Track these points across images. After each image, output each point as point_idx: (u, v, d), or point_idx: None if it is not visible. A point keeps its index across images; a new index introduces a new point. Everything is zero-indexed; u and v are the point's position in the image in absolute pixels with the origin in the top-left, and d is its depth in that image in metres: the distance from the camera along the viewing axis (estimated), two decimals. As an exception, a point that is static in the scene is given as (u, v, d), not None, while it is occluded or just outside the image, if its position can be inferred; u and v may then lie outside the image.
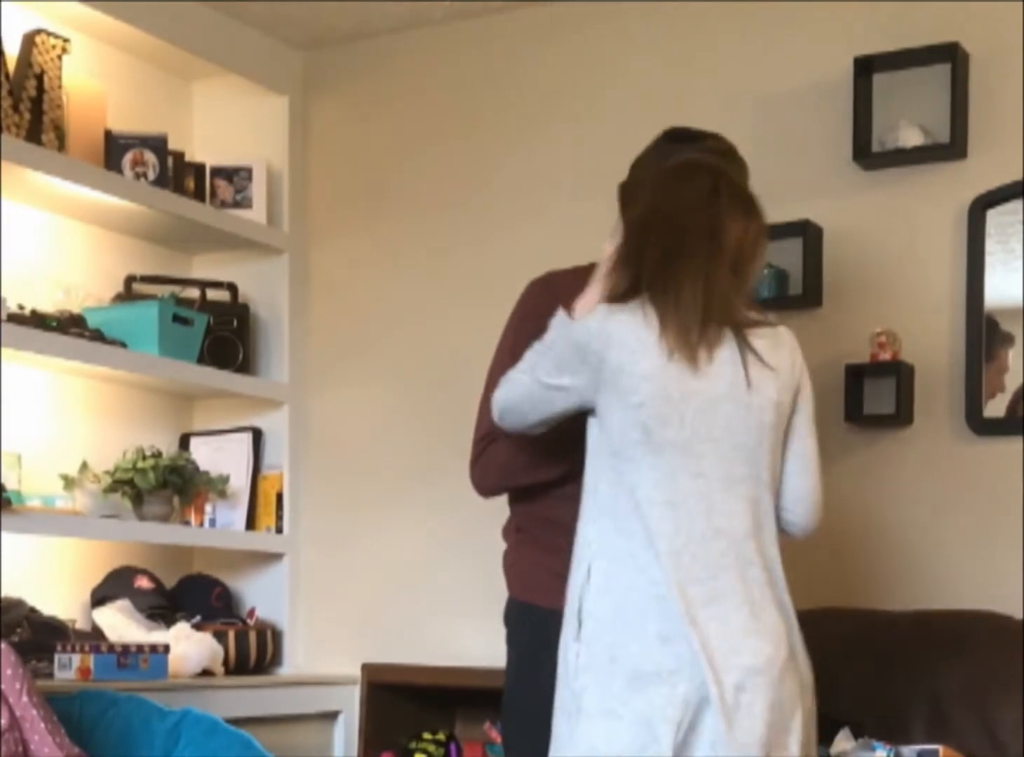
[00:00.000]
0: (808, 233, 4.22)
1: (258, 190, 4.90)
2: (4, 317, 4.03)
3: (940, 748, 3.44)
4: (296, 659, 4.87)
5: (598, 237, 4.52)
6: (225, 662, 4.52)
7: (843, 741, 3.53)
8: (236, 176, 4.89)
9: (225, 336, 4.79)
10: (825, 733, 3.51)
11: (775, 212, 4.25)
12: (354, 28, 4.90)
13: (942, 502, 4.05)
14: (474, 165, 4.80)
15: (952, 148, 4.09)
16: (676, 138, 3.19)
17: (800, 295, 4.24)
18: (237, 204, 4.88)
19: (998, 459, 3.99)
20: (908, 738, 3.56)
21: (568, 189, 4.66)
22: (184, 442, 4.97)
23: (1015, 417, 3.97)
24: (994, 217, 4.04)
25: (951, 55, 4.09)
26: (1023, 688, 3.58)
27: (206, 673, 4.40)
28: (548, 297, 3.13)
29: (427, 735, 4.46)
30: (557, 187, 4.67)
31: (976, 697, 3.63)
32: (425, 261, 4.83)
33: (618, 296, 2.81)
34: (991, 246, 4.03)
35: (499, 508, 3.39)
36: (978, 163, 4.10)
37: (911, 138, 4.13)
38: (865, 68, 4.20)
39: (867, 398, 4.11)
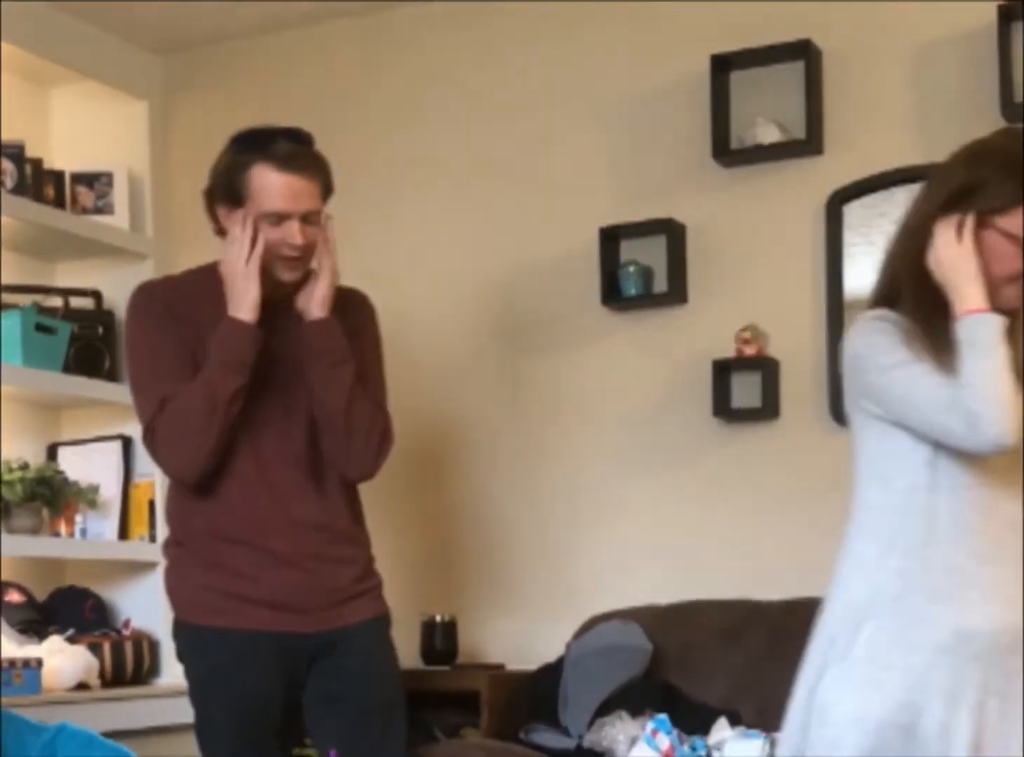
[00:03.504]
0: (671, 230, 4.29)
1: (120, 196, 4.86)
2: None
3: (814, 733, 3.50)
4: (174, 669, 4.81)
5: (465, 234, 4.60)
6: (101, 674, 4.48)
7: (720, 730, 3.60)
8: (97, 182, 4.84)
9: (91, 344, 4.73)
10: (702, 723, 3.61)
11: (638, 210, 4.38)
12: (213, 31, 4.88)
13: (809, 491, 4.13)
14: (336, 167, 4.79)
15: (808, 144, 4.18)
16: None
17: (665, 292, 4.30)
18: (99, 210, 4.83)
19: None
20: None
21: (432, 190, 4.68)
22: (52, 452, 4.90)
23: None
24: (856, 210, 4.15)
25: (804, 52, 4.18)
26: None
27: (82, 686, 4.36)
28: (160, 304, 3.20)
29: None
30: (421, 188, 4.69)
31: (848, 682, 3.72)
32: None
33: None
34: (853, 238, 4.14)
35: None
36: (834, 158, 4.19)
37: (768, 135, 4.22)
38: (722, 66, 4.27)
39: (734, 393, 4.20)
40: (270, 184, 3.10)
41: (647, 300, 4.33)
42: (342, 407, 3.15)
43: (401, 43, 4.76)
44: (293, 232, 3.11)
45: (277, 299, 3.20)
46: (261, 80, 4.93)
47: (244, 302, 3.11)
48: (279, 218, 3.11)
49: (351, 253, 4.66)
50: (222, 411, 3.09)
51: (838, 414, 4.10)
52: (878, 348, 2.50)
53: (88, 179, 4.83)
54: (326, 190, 3.22)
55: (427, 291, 4.64)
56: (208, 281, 3.24)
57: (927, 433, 2.46)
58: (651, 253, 4.33)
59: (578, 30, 4.52)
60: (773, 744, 3.49)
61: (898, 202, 4.07)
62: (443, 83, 4.70)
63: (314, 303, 3.16)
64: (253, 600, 3.15)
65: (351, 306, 3.34)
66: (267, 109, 4.87)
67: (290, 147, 3.13)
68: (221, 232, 3.24)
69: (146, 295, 3.27)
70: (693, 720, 3.62)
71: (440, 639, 4.27)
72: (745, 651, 3.85)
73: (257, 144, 3.13)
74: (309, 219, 3.14)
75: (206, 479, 3.16)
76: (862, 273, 4.13)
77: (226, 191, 3.16)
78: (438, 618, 4.28)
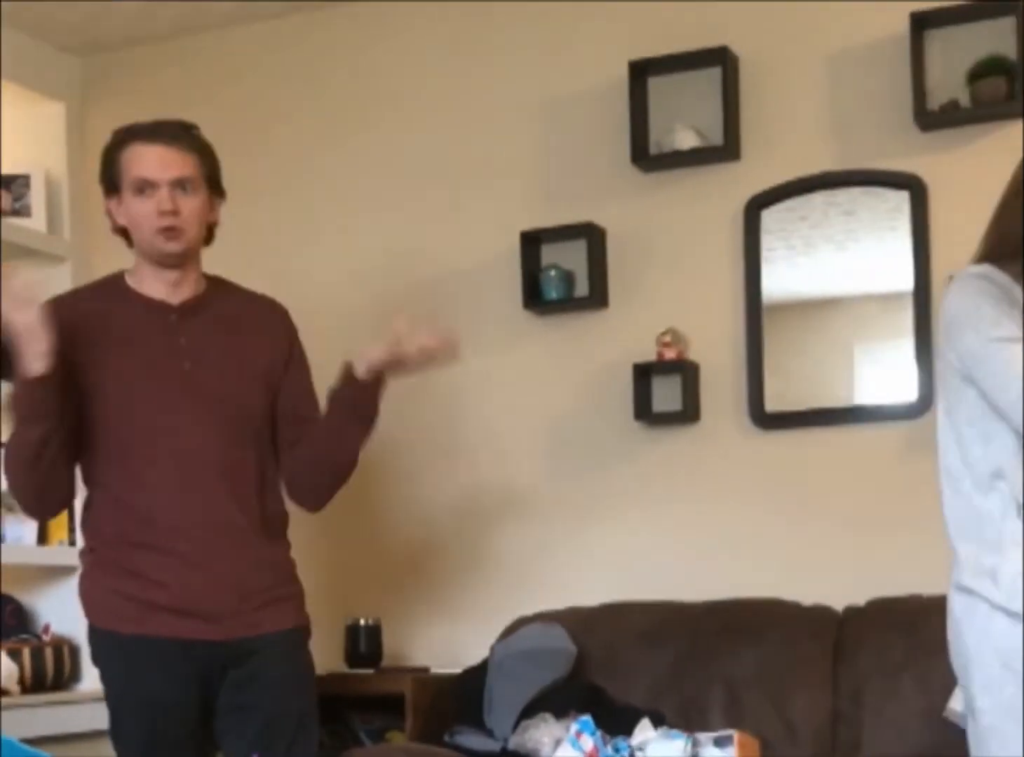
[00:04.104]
0: (592, 235, 4.33)
1: (37, 198, 4.81)
2: None
3: (735, 733, 3.56)
4: (94, 674, 4.74)
5: (385, 237, 4.61)
6: (21, 680, 4.44)
7: (643, 731, 3.64)
8: (14, 184, 4.79)
9: (6, 347, 4.68)
10: (626, 724, 3.65)
11: (559, 214, 4.42)
12: (131, 33, 4.85)
13: (729, 493, 4.20)
14: (253, 169, 4.79)
15: (726, 150, 4.23)
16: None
17: (587, 296, 4.34)
18: (16, 213, 4.78)
19: (780, 452, 4.16)
20: (706, 725, 3.69)
21: (351, 193, 4.69)
22: (-32, 457, 4.85)
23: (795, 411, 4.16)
24: (773, 215, 4.20)
25: (721, 59, 4.23)
26: (820, 671, 3.76)
27: (1, 693, 4.32)
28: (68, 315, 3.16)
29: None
30: (340, 191, 4.70)
31: (768, 682, 3.79)
32: (208, 266, 4.80)
33: None
34: (771, 243, 4.19)
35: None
36: (751, 164, 4.25)
37: (686, 140, 4.26)
38: (640, 71, 4.31)
39: (655, 396, 4.24)
40: (137, 155, 3.15)
41: (568, 304, 4.36)
42: (349, 458, 3.29)
43: (319, 46, 4.76)
44: (162, 198, 3.12)
45: (189, 302, 3.23)
46: (179, 82, 4.90)
47: (34, 356, 3.04)
48: (148, 186, 3.12)
49: (264, 254, 4.70)
50: (32, 458, 3.10)
51: (757, 417, 4.16)
52: (982, 317, 2.46)
53: (5, 181, 4.78)
54: (208, 170, 3.22)
55: (345, 294, 4.64)
56: (111, 296, 3.25)
57: (1008, 417, 2.45)
58: (572, 257, 4.36)
59: (498, 35, 4.54)
60: (695, 744, 3.54)
61: (815, 207, 4.16)
62: (362, 86, 4.70)
63: (366, 366, 3.19)
64: (161, 606, 3.14)
65: (275, 317, 3.38)
66: (184, 111, 4.78)
67: (160, 123, 3.18)
68: (116, 229, 3.25)
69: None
70: (617, 721, 3.66)
71: (364, 642, 4.27)
72: (668, 652, 3.89)
73: (132, 129, 3.19)
74: (183, 188, 3.15)
75: (54, 513, 3.29)
76: (780, 277, 4.20)
77: (104, 178, 3.21)
78: (362, 621, 4.28)
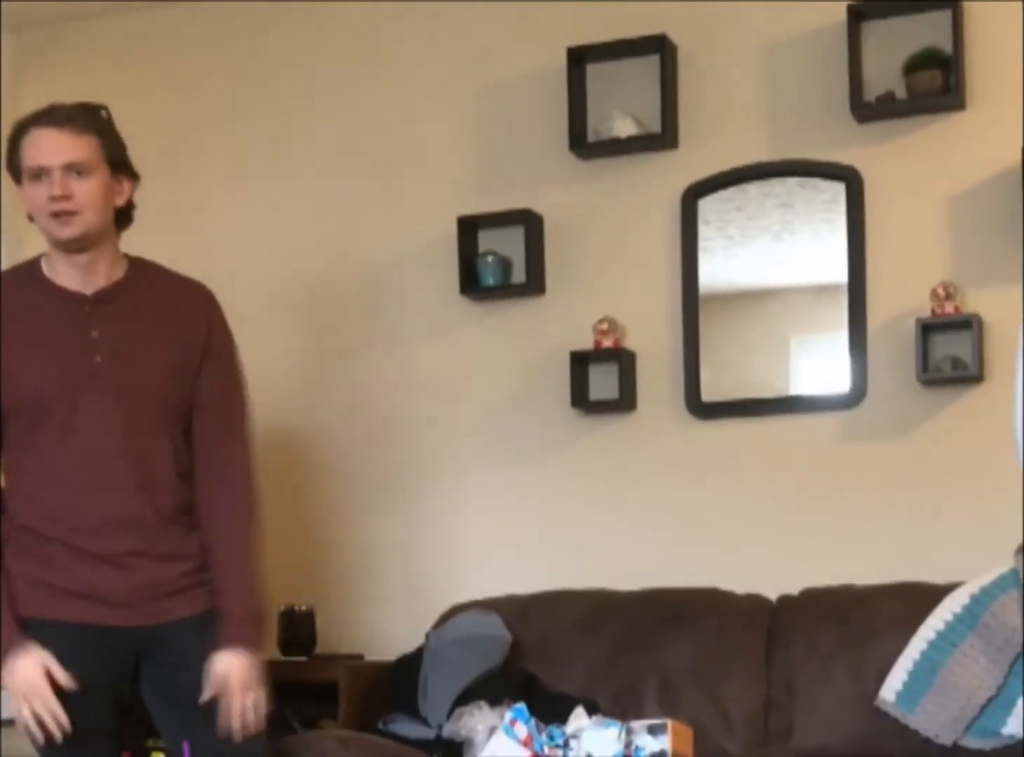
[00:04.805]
0: (529, 222, 4.33)
1: (-35, 179, 4.75)
2: None
3: (669, 721, 3.56)
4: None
5: (322, 222, 4.59)
6: (-57, 667, 4.39)
7: (577, 719, 3.63)
8: (-58, 165, 4.72)
9: None
10: (560, 712, 3.65)
11: (497, 201, 4.42)
12: (63, 10, 4.80)
13: (665, 482, 4.21)
14: (187, 148, 4.77)
15: (664, 138, 4.24)
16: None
17: (524, 283, 4.34)
18: (-56, 195, 4.71)
19: (716, 441, 4.18)
20: (641, 713, 3.70)
21: (286, 177, 4.66)
22: None
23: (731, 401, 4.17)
24: (711, 204, 4.22)
25: (660, 47, 4.23)
26: (753, 660, 3.78)
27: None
28: None
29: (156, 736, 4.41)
30: (273, 176, 4.68)
31: (703, 671, 3.81)
32: (136, 247, 4.75)
33: None
34: (708, 232, 4.21)
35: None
36: (689, 153, 4.26)
37: (624, 128, 4.27)
38: (578, 58, 4.31)
39: (592, 384, 4.25)
40: (32, 141, 3.08)
41: (505, 290, 4.36)
42: None
43: (255, 24, 4.73)
44: (52, 183, 3.05)
45: (103, 291, 3.16)
46: (112, 60, 4.85)
47: None
48: (42, 173, 3.06)
49: (195, 238, 4.66)
50: None
51: (693, 406, 4.18)
52: None
53: (-68, 162, 4.71)
54: (110, 152, 3.13)
55: (278, 280, 4.62)
56: (26, 285, 3.17)
57: None
58: (509, 243, 4.36)
59: (437, 20, 4.52)
60: (629, 732, 3.54)
61: (752, 197, 4.18)
62: (301, 66, 4.67)
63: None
64: (70, 592, 3.11)
65: (197, 300, 3.28)
66: (118, 89, 4.78)
67: (54, 106, 3.12)
68: (31, 217, 3.17)
69: None
70: (551, 709, 3.65)
71: (298, 629, 4.25)
72: (602, 641, 3.91)
73: (30, 116, 3.13)
74: (77, 172, 3.07)
75: None
76: (717, 267, 4.21)
77: (10, 168, 3.15)
78: (295, 608, 4.26)
